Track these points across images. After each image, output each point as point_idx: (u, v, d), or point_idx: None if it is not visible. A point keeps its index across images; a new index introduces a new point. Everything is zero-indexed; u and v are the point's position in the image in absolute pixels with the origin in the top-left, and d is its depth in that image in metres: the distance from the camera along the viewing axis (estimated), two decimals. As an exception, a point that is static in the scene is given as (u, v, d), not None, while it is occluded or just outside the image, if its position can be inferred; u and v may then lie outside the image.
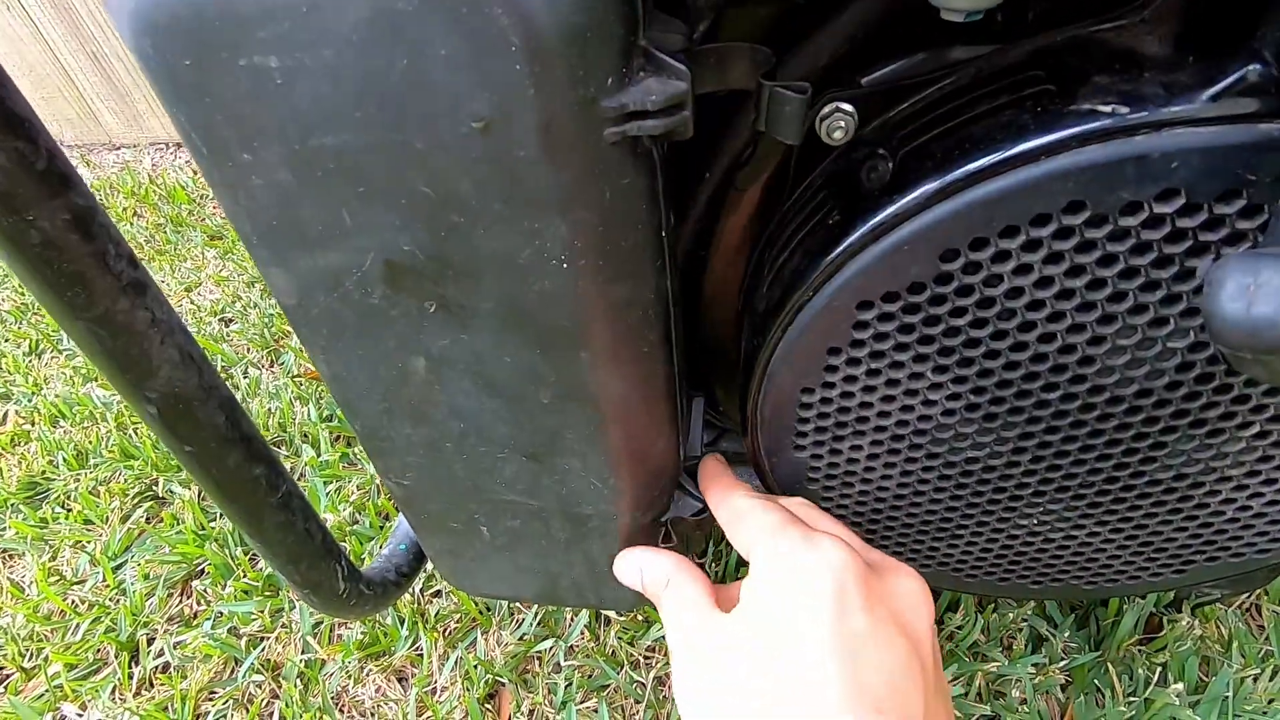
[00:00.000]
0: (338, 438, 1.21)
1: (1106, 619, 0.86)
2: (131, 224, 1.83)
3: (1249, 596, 0.86)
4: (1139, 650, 0.82)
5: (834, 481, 0.49)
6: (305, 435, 1.20)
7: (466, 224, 0.33)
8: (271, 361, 1.38)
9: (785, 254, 0.42)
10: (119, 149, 2.32)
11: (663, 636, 0.90)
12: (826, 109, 0.39)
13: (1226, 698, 0.77)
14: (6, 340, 1.50)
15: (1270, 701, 0.77)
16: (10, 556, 1.11)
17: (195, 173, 2.08)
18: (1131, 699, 0.79)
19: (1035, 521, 0.49)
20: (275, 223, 0.35)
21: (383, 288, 0.37)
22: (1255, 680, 0.78)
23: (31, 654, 0.97)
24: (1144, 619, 0.84)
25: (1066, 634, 0.85)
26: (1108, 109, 0.30)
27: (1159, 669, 0.80)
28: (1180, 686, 0.78)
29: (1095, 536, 0.49)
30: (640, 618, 0.92)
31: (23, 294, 1.62)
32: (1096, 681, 0.81)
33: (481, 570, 0.60)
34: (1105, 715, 0.77)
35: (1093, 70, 0.33)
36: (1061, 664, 0.81)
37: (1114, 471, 0.44)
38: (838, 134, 0.39)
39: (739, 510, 0.42)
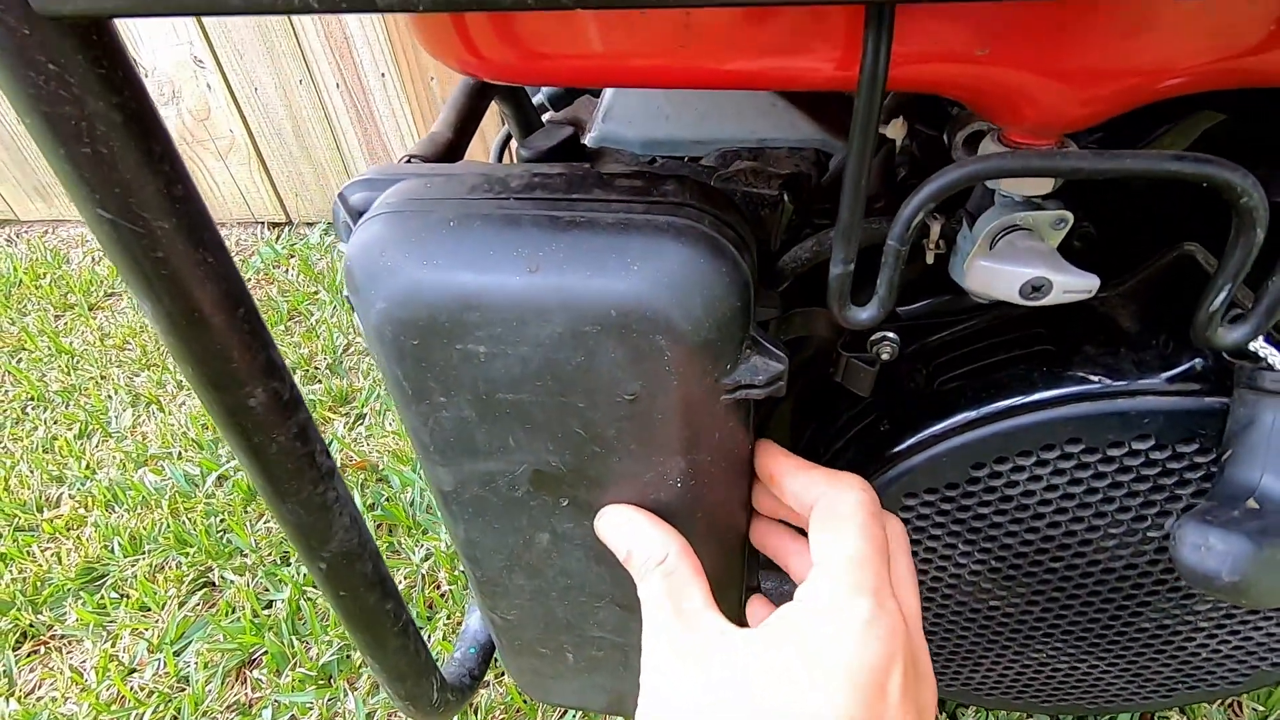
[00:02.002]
0: (380, 524, 1.28)
1: (1104, 715, 0.94)
2: (172, 305, 1.92)
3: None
4: (1134, 746, 0.91)
5: (875, 618, 0.59)
6: (352, 524, 1.27)
7: (605, 453, 0.43)
8: (314, 447, 1.46)
9: (840, 443, 0.53)
10: (153, 225, 2.45)
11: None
12: (877, 335, 0.49)
13: (1213, 793, 0.85)
14: (57, 422, 1.57)
15: (1252, 797, 0.85)
16: (70, 642, 1.16)
17: (231, 253, 2.19)
18: (1129, 794, 0.86)
19: (1045, 655, 0.58)
20: (452, 440, 0.45)
21: (527, 486, 0.47)
22: (1238, 776, 0.87)
23: (95, 741, 1.02)
24: (1137, 715, 0.92)
25: (1068, 730, 0.93)
26: (1095, 379, 0.41)
27: (1152, 765, 0.88)
28: (1172, 782, 0.86)
29: (1094, 668, 0.58)
30: None
31: (69, 374, 1.70)
32: (1097, 776, 0.88)
33: (558, 685, 0.68)
34: (1106, 810, 0.85)
35: (1082, 338, 0.44)
36: (1065, 760, 0.89)
37: (1108, 619, 0.53)
38: (885, 354, 0.50)
39: (838, 512, 0.35)
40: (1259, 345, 0.37)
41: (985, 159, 0.30)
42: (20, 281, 2.08)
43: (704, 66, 0.36)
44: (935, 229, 0.41)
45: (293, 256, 2.10)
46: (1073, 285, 0.35)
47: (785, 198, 0.45)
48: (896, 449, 0.48)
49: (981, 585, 0.53)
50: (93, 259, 2.23)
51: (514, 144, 0.67)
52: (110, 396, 1.62)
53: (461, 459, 0.46)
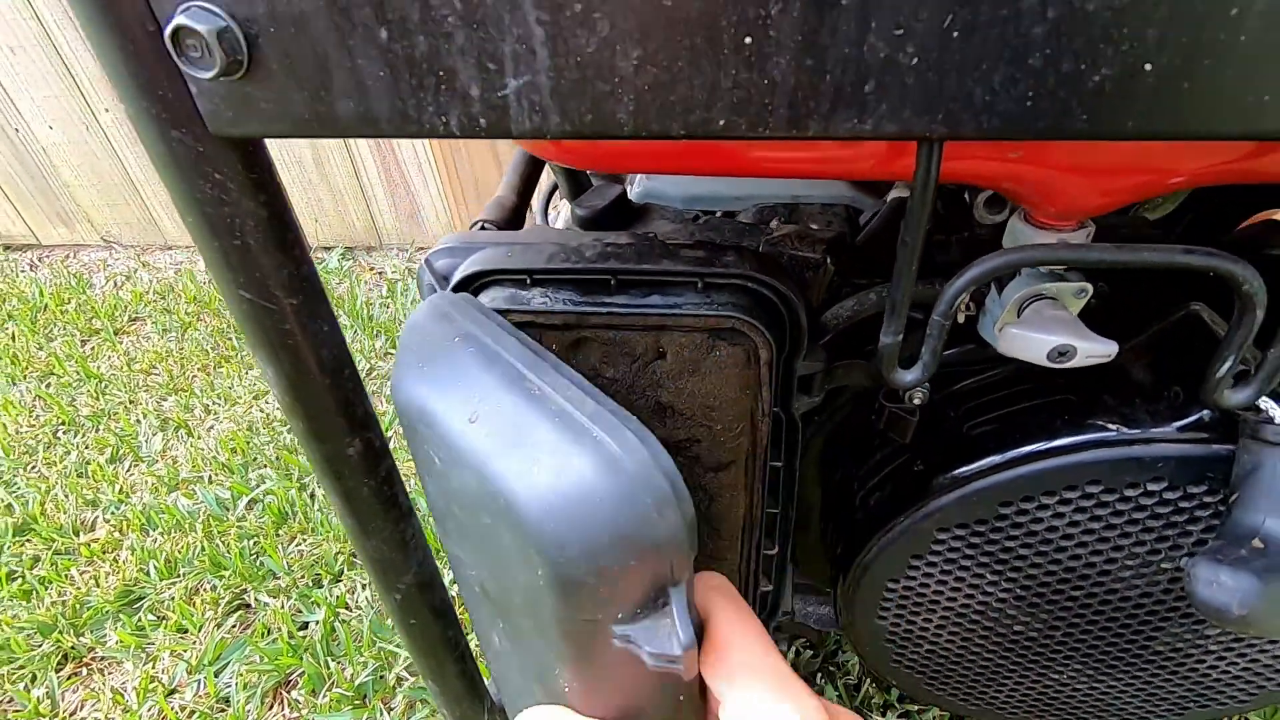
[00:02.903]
0: (408, 547, 1.32)
1: (1116, 731, 0.97)
2: (196, 330, 1.97)
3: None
4: (1146, 761, 0.94)
5: (905, 643, 0.63)
6: (382, 547, 1.31)
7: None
8: (341, 471, 1.50)
9: (875, 481, 0.57)
10: (172, 249, 2.48)
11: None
12: (885, 400, 0.54)
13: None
14: (88, 447, 1.61)
15: (1261, 810, 0.89)
16: (110, 664, 1.20)
17: (249, 276, 2.24)
18: (1142, 807, 0.90)
19: (1065, 676, 0.62)
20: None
21: (480, 589, 0.48)
22: (1247, 790, 0.90)
23: (139, 761, 1.05)
24: (1149, 732, 0.96)
25: (1082, 745, 0.96)
26: (1113, 428, 0.46)
27: (1164, 779, 0.92)
28: (1183, 796, 0.89)
29: (1111, 689, 0.62)
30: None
31: (98, 399, 1.74)
32: (1111, 791, 0.92)
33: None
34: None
35: (1100, 388, 0.48)
36: (1080, 775, 0.92)
37: (1124, 643, 0.58)
38: (917, 400, 0.54)
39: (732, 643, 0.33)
40: (1264, 402, 0.41)
41: (1023, 249, 0.34)
42: (45, 306, 2.12)
43: (769, 162, 0.41)
44: (965, 296, 0.46)
45: (312, 281, 2.14)
46: (1094, 351, 0.39)
47: (828, 261, 0.50)
48: (930, 487, 0.52)
49: (1007, 611, 0.57)
50: (114, 284, 2.28)
51: (558, 197, 0.72)
52: (139, 421, 1.66)
53: (446, 536, 0.47)
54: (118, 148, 2.26)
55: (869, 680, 1.05)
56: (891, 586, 0.58)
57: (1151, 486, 0.47)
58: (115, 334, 1.99)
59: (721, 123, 0.28)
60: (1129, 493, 0.47)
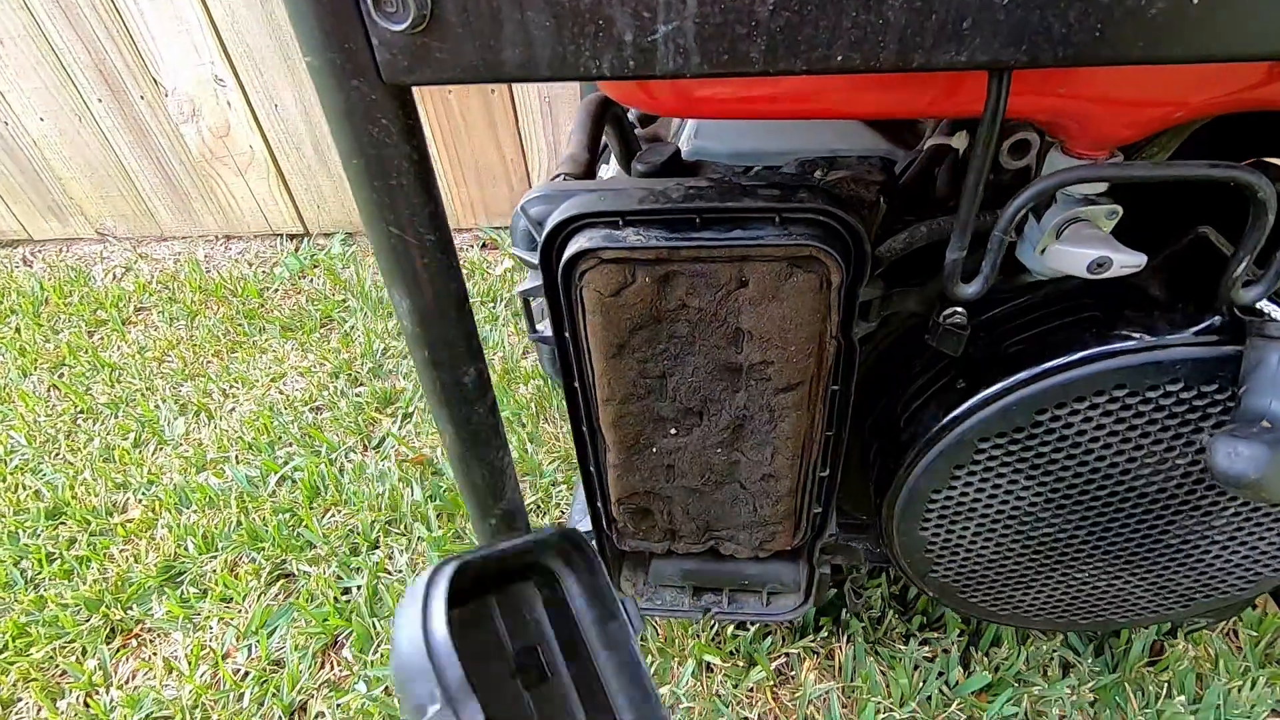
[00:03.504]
0: (440, 515, 1.37)
1: (1119, 647, 1.06)
2: (205, 317, 1.98)
3: (1229, 623, 1.07)
4: (1148, 671, 1.03)
5: (945, 552, 0.70)
6: (416, 514, 1.36)
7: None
8: (366, 446, 1.54)
9: (919, 402, 0.63)
10: (168, 241, 2.48)
11: (762, 679, 1.07)
12: (948, 310, 0.60)
13: (1219, 705, 0.98)
14: (111, 433, 1.63)
15: (1253, 707, 0.98)
16: (159, 635, 1.23)
17: (251, 264, 2.25)
18: (1145, 710, 0.99)
19: (1086, 574, 0.69)
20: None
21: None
22: (1239, 690, 0.99)
23: (199, 722, 1.10)
24: (1149, 645, 1.05)
25: (1089, 660, 1.05)
26: (1136, 336, 0.52)
27: (1165, 685, 1.01)
28: (1182, 699, 0.98)
29: (1128, 584, 0.70)
30: (741, 662, 1.09)
31: (114, 386, 1.75)
32: (1117, 698, 1.01)
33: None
34: (1127, 724, 0.97)
35: (1122, 305, 0.55)
36: (1089, 685, 1.01)
37: (1141, 538, 0.65)
38: (957, 319, 0.60)
39: None
40: (1264, 304, 0.48)
41: (1075, 169, 0.40)
42: (47, 299, 2.12)
43: (838, 105, 0.46)
44: (1023, 212, 0.52)
45: (316, 266, 2.17)
46: (1127, 261, 0.46)
47: (880, 200, 0.55)
48: (971, 402, 0.58)
49: (1038, 515, 0.64)
50: (114, 276, 2.28)
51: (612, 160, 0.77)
52: (159, 406, 1.69)
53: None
54: (110, 138, 2.25)
55: (891, 611, 1.13)
56: (935, 498, 0.65)
57: (1169, 388, 0.54)
58: (123, 324, 2.00)
59: (839, 59, 0.34)
60: (1150, 394, 0.54)
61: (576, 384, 0.61)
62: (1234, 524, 0.62)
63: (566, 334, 0.58)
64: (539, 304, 0.58)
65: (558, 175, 0.59)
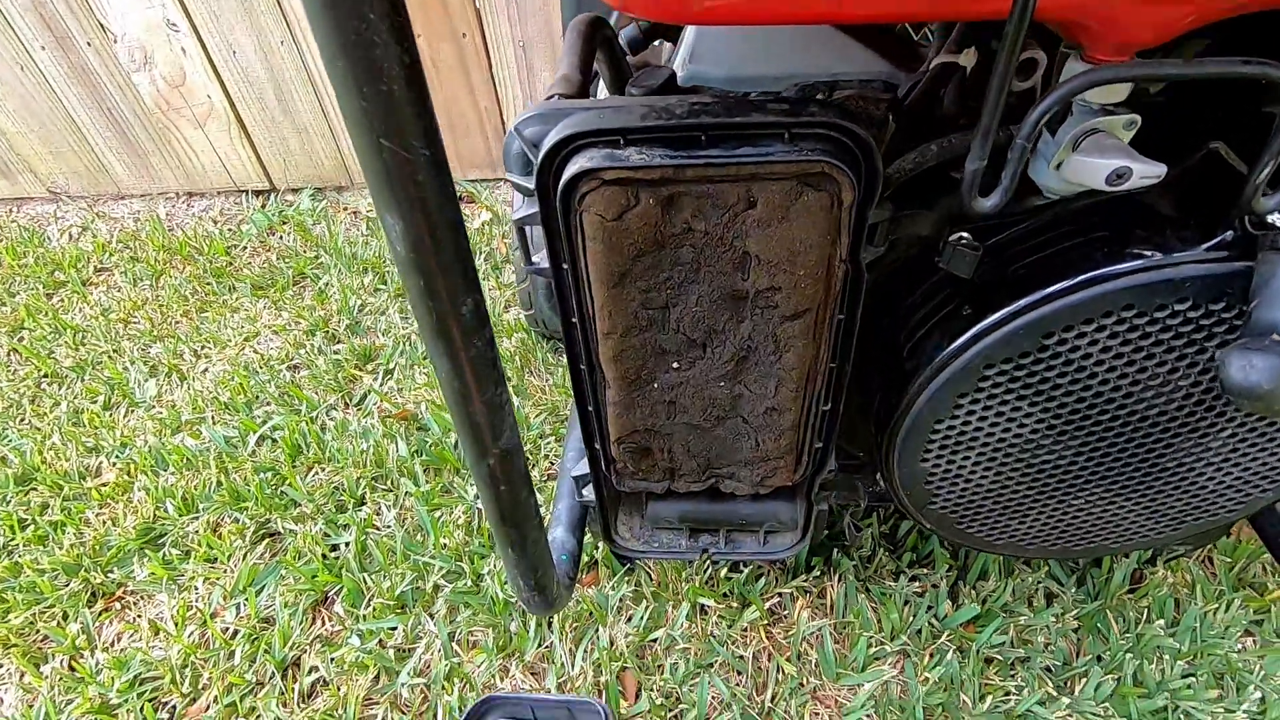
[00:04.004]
0: (427, 469, 1.35)
1: (1100, 577, 1.09)
2: (170, 276, 1.90)
3: (1204, 550, 1.11)
4: (1128, 598, 1.06)
5: (944, 484, 0.70)
6: (402, 469, 1.34)
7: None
8: (347, 403, 1.51)
9: (923, 331, 0.63)
10: (126, 199, 2.37)
11: (755, 618, 1.09)
12: (954, 235, 0.59)
13: (1196, 627, 1.01)
14: (78, 396, 1.57)
15: (1227, 628, 1.02)
16: (143, 597, 1.21)
17: (216, 222, 2.16)
18: (1126, 635, 1.02)
19: (1083, 501, 0.70)
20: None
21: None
22: (1215, 613, 1.03)
23: (189, 681, 1.08)
24: (1129, 574, 1.08)
25: (1072, 590, 1.08)
26: (1148, 253, 0.52)
27: (1144, 611, 1.04)
28: (1161, 623, 1.02)
29: (1122, 509, 0.71)
30: (735, 604, 1.11)
31: (78, 349, 1.68)
32: (1099, 624, 1.04)
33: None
34: (1110, 648, 1.01)
35: (1132, 224, 0.54)
36: (1072, 613, 1.04)
37: (1138, 463, 0.65)
38: (963, 242, 0.59)
39: None
40: (1277, 217, 0.47)
41: (1104, 69, 0.39)
42: (0, 261, 2.02)
43: (858, 6, 0.44)
44: (1047, 117, 0.50)
45: (285, 223, 2.09)
46: (1147, 172, 0.45)
47: (890, 118, 0.53)
48: (978, 328, 0.58)
49: (1039, 443, 0.64)
50: (70, 236, 2.18)
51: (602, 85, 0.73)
52: (127, 368, 1.63)
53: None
54: (57, 89, 2.13)
55: (881, 550, 1.14)
56: (937, 428, 0.64)
57: (1178, 306, 0.53)
58: (83, 285, 1.92)
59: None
60: (1157, 314, 0.54)
61: (575, 319, 0.59)
62: (1230, 445, 0.63)
63: (565, 265, 0.55)
64: (535, 234, 0.55)
65: (551, 96, 0.56)
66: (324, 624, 1.16)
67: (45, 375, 1.64)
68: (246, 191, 2.28)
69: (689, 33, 0.69)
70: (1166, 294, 0.52)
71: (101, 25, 1.99)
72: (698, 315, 0.56)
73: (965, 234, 0.58)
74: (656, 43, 0.79)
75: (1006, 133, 0.48)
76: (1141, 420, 0.61)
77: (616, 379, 0.61)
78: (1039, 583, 1.09)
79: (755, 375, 0.60)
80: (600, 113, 0.49)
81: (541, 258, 0.57)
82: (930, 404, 0.62)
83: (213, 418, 1.49)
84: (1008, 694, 0.98)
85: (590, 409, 0.67)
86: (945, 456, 0.67)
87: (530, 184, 0.51)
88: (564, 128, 0.49)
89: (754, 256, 0.52)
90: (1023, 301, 0.55)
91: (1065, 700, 0.96)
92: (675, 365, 0.60)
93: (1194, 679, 0.98)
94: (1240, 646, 1.02)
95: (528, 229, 0.55)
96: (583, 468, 0.77)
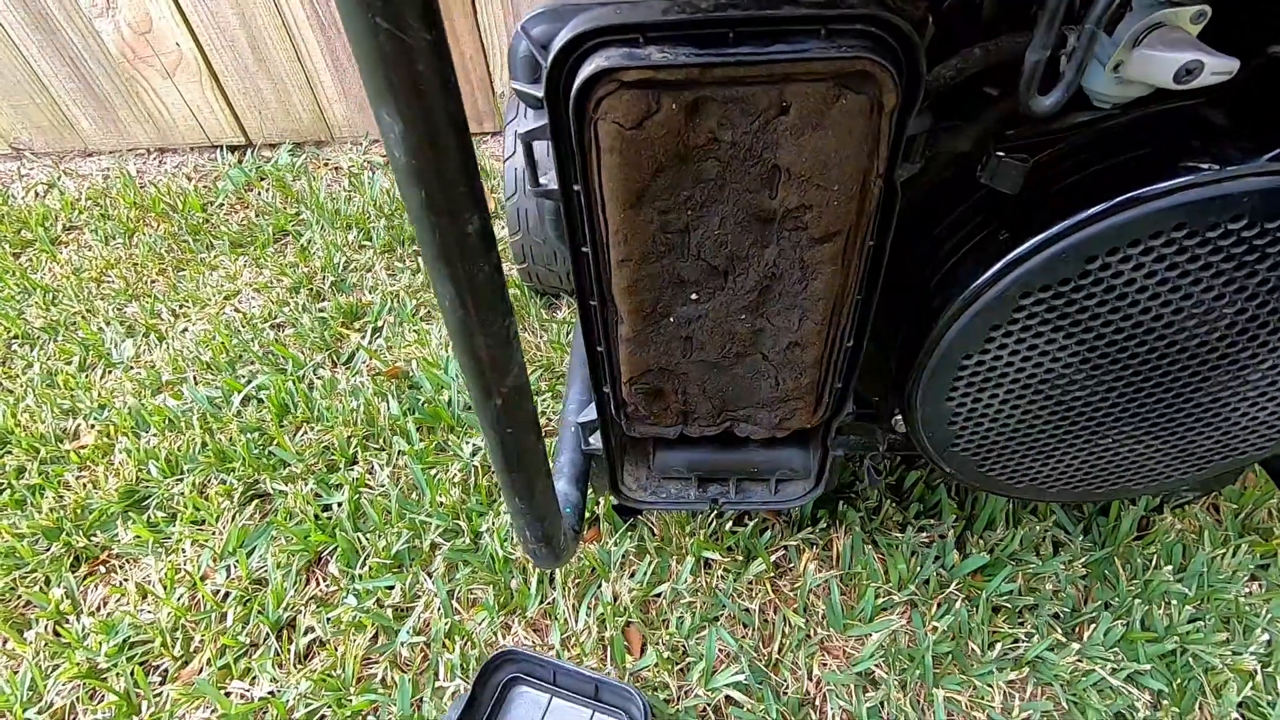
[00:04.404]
0: (420, 427, 1.31)
1: (1107, 525, 1.08)
2: (143, 234, 1.82)
3: (1211, 497, 1.10)
4: (1135, 545, 1.05)
5: (969, 424, 0.67)
6: (395, 428, 1.30)
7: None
8: (335, 362, 1.46)
9: (954, 259, 0.59)
10: (94, 156, 2.27)
11: (761, 571, 1.07)
12: (997, 152, 0.55)
13: (1203, 573, 1.01)
14: (51, 358, 1.50)
15: (1234, 572, 1.01)
16: (128, 561, 1.17)
17: (190, 178, 2.07)
18: (1134, 581, 1.01)
19: (1110, 441, 0.68)
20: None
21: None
22: (1222, 558, 1.02)
23: (180, 643, 1.05)
24: (1136, 521, 1.07)
25: (1079, 539, 1.07)
26: (1205, 166, 0.48)
27: (1152, 557, 1.03)
28: (1169, 568, 1.01)
29: (1150, 448, 0.68)
30: (740, 557, 1.09)
31: (49, 310, 1.61)
32: (1107, 571, 1.03)
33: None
34: (1118, 594, 1.00)
35: (1185, 135, 0.50)
36: (1080, 560, 1.03)
37: (1171, 399, 0.63)
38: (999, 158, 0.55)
39: None
40: (1347, 122, 0.44)
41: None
42: (-38, 220, 1.93)
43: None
44: (1072, 39, 0.46)
45: (264, 179, 2.01)
46: (1219, 67, 0.41)
47: (930, 20, 0.49)
48: (1017, 252, 0.54)
49: (1072, 379, 0.61)
50: (36, 194, 2.08)
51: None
52: (102, 329, 1.57)
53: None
54: (14, 36, 2.01)
55: (889, 501, 1.13)
56: (965, 363, 0.61)
57: (1231, 226, 0.50)
58: (52, 244, 1.84)
59: None
60: (1209, 234, 0.51)
61: (586, 247, 0.55)
62: (1268, 379, 0.61)
63: (576, 186, 0.51)
64: (543, 151, 0.51)
65: (558, -4, 0.51)
66: (319, 584, 1.12)
67: (15, 336, 1.57)
68: (221, 147, 2.18)
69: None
70: (1221, 211, 0.49)
71: (59, -34, 1.87)
72: (720, 239, 0.52)
73: (1000, 151, 0.54)
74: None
75: (1063, 27, 0.44)
76: (1180, 352, 0.58)
77: (630, 312, 0.57)
78: (1046, 531, 1.07)
79: (779, 307, 0.57)
80: (617, 7, 0.44)
81: (550, 179, 0.52)
82: (960, 337, 0.59)
83: (195, 378, 1.44)
84: (1016, 641, 0.98)
85: (600, 349, 0.63)
86: (972, 395, 0.64)
87: (539, 91, 0.47)
88: (577, 24, 0.44)
89: (784, 170, 0.48)
90: (1065, 223, 0.52)
91: (1074, 646, 0.95)
92: (694, 296, 0.56)
93: (1202, 623, 0.97)
94: (1247, 591, 1.02)
95: (535, 145, 0.51)
96: (589, 414, 0.74)
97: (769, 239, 0.52)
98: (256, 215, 1.87)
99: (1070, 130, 0.55)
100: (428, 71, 0.37)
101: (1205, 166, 0.48)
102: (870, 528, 1.11)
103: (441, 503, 1.17)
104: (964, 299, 0.57)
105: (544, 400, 1.35)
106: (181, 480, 1.25)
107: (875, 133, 0.46)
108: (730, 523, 1.12)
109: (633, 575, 1.09)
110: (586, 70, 0.44)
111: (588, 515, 1.17)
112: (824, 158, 0.46)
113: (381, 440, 1.29)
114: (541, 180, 0.53)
